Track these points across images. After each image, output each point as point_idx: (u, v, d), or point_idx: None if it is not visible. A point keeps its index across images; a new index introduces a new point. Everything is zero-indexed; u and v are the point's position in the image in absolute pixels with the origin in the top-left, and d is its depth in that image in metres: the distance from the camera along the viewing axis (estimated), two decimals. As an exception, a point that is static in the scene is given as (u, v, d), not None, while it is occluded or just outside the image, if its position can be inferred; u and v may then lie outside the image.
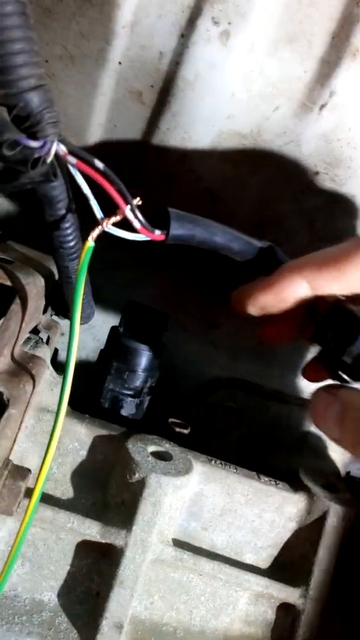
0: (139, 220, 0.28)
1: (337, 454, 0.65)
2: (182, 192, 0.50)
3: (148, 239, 0.30)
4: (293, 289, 0.30)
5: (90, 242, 0.28)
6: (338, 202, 0.48)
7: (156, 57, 0.41)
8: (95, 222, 0.29)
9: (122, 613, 0.35)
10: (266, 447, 0.62)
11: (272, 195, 0.49)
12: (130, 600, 0.35)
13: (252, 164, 0.47)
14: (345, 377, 0.31)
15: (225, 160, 0.47)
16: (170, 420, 0.52)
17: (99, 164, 0.28)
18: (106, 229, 0.29)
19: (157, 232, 0.30)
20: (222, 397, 0.64)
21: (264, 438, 0.63)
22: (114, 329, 0.47)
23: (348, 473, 0.72)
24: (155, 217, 0.32)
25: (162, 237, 0.30)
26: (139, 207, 0.29)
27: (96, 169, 0.28)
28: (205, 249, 0.33)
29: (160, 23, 0.40)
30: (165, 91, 0.43)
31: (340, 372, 0.30)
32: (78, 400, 0.45)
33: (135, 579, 0.35)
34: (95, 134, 0.48)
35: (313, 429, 0.64)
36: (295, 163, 0.46)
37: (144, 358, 0.46)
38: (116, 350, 0.46)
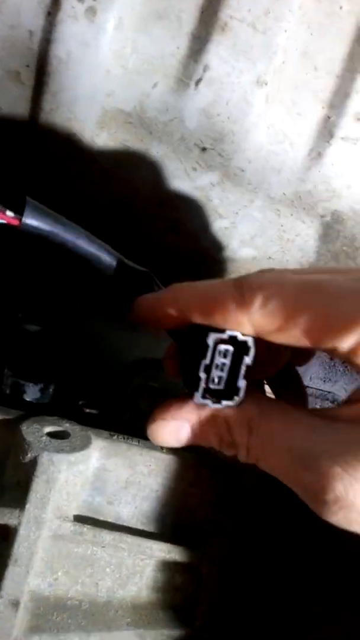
0: None
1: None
2: (77, 175, 0.50)
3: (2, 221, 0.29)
4: (177, 319, 0.32)
5: None
6: (229, 177, 0.50)
7: (26, 36, 0.41)
8: None
9: (17, 590, 0.35)
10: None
11: (166, 174, 0.50)
12: (26, 577, 0.35)
13: (141, 143, 0.48)
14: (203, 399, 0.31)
15: (115, 139, 0.47)
16: (80, 402, 0.53)
17: None
18: None
19: (9, 213, 0.29)
20: (146, 378, 0.65)
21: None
22: (5, 315, 0.47)
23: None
24: (14, 201, 0.31)
25: (16, 222, 0.29)
26: None
27: None
28: (65, 254, 0.33)
29: (26, 1, 0.39)
30: (41, 70, 0.43)
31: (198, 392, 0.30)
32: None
33: (31, 555, 0.36)
34: (-20, 117, 0.47)
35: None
36: (182, 140, 0.47)
37: (40, 342, 0.46)
38: (10, 336, 0.46)
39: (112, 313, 0.62)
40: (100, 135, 0.47)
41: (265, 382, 0.40)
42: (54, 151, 0.48)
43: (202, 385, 0.30)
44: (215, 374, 0.30)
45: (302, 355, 0.40)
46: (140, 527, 0.42)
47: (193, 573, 0.42)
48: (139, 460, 0.42)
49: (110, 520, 0.42)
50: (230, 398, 0.30)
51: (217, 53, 0.42)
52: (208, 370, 0.30)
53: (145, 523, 0.43)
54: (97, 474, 0.42)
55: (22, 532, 0.36)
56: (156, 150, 0.48)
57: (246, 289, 0.29)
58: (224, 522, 0.42)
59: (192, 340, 0.32)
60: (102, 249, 0.33)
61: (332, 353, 0.28)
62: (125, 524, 0.42)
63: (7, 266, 0.52)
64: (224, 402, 0.30)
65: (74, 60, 0.41)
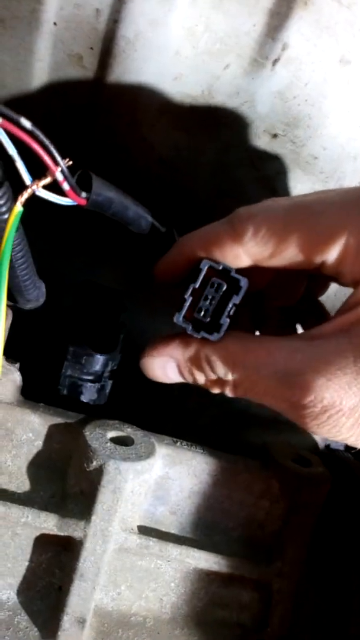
0: (69, 183, 0.26)
1: (315, 428, 0.64)
2: (135, 163, 0.48)
3: (74, 203, 0.28)
4: (184, 262, 0.33)
5: (19, 207, 0.27)
6: (299, 165, 0.46)
7: (92, 15, 0.38)
8: (22, 185, 0.27)
9: (84, 607, 0.33)
10: (241, 424, 0.61)
11: (230, 162, 0.47)
12: (92, 593, 0.33)
13: (206, 130, 0.45)
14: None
15: (178, 126, 0.44)
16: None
17: (26, 123, 0.27)
18: (37, 192, 0.27)
19: (83, 194, 0.28)
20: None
21: (238, 416, 0.61)
22: (68, 311, 0.45)
23: (328, 446, 0.71)
24: (77, 180, 0.30)
25: (84, 202, 0.29)
26: (68, 168, 0.27)
27: (23, 129, 0.26)
28: (116, 221, 0.34)
29: (94, -24, 0.36)
30: (106, 53, 0.40)
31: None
32: (33, 389, 0.42)
33: (97, 570, 0.34)
34: (37, 104, 0.45)
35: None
36: (251, 126, 0.44)
37: (102, 341, 0.44)
38: (71, 334, 0.43)
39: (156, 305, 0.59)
40: (162, 122, 0.44)
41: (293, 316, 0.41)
42: (113, 138, 0.46)
43: (186, 306, 0.30)
44: (203, 304, 0.30)
45: (318, 284, 0.41)
46: (205, 539, 0.40)
47: (263, 590, 0.39)
48: (204, 469, 0.40)
49: (173, 531, 0.40)
50: (210, 332, 0.30)
51: (298, 30, 0.38)
52: (196, 296, 0.30)
53: (210, 535, 0.40)
54: (160, 483, 0.39)
55: (88, 545, 0.34)
56: (221, 138, 0.45)
57: (237, 222, 0.30)
58: (296, 536, 0.39)
59: (191, 272, 0.32)
60: (142, 217, 0.36)
61: (324, 268, 0.29)
62: (189, 535, 0.40)
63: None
64: (202, 333, 0.30)
65: (142, 41, 0.39)
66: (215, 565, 0.38)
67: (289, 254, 0.29)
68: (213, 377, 0.31)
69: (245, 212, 0.31)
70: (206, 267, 0.30)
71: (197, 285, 0.30)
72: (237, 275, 0.30)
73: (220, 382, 0.31)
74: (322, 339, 0.28)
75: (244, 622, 0.40)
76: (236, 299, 0.30)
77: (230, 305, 0.30)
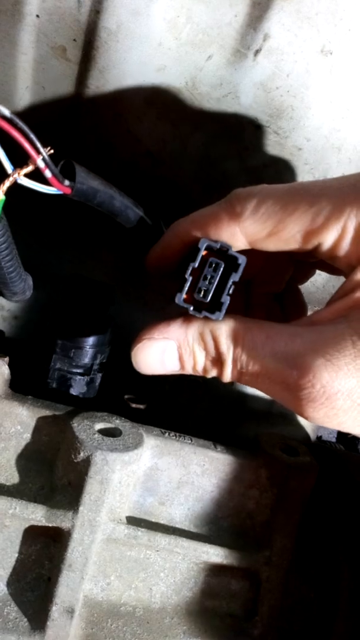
0: (51, 170, 0.27)
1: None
2: (122, 157, 0.48)
3: (59, 191, 0.28)
4: (179, 245, 0.33)
5: (1, 195, 0.27)
6: (284, 156, 0.46)
7: (74, 6, 0.38)
8: (4, 174, 0.27)
9: (72, 597, 0.33)
10: (234, 417, 0.61)
11: (216, 154, 0.47)
12: (81, 583, 0.33)
13: (191, 121, 0.45)
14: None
15: (163, 118, 0.45)
16: (126, 396, 0.50)
17: (5, 111, 0.27)
18: (19, 181, 0.27)
19: (67, 182, 0.29)
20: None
21: (231, 409, 0.61)
22: (57, 305, 0.45)
23: (319, 438, 0.71)
24: (62, 170, 0.30)
25: (69, 190, 0.29)
26: (50, 157, 0.27)
27: (3, 117, 0.27)
28: (103, 212, 0.35)
29: (75, -32, 0.36)
30: (88, 44, 0.40)
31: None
32: (22, 383, 0.42)
33: (85, 561, 0.34)
34: (23, 98, 0.45)
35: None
36: (235, 117, 0.44)
37: (91, 333, 0.44)
38: (60, 327, 0.44)
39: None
40: (147, 114, 0.44)
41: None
42: (99, 131, 0.46)
43: (186, 286, 0.30)
44: (202, 284, 0.30)
45: (303, 271, 0.41)
46: (194, 529, 0.40)
47: (252, 579, 0.39)
48: (192, 459, 0.40)
49: (162, 522, 0.40)
50: (212, 312, 0.30)
51: (279, 20, 0.38)
52: (195, 277, 0.30)
53: (199, 525, 0.40)
54: (149, 474, 0.39)
55: (75, 535, 0.34)
56: (206, 129, 0.45)
57: (235, 200, 0.30)
58: (284, 525, 0.39)
59: (188, 254, 0.32)
60: (129, 208, 0.36)
61: (318, 252, 0.29)
62: (178, 526, 0.40)
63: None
64: (205, 313, 0.30)
65: (125, 32, 0.39)
66: (204, 554, 0.38)
67: (286, 235, 0.29)
68: (214, 354, 0.30)
69: (243, 191, 0.31)
70: (204, 246, 0.30)
71: (196, 265, 0.29)
72: (234, 253, 0.30)
73: (219, 362, 0.30)
74: (321, 325, 0.28)
75: (233, 611, 0.40)
76: (235, 277, 0.30)
77: (229, 283, 0.30)
